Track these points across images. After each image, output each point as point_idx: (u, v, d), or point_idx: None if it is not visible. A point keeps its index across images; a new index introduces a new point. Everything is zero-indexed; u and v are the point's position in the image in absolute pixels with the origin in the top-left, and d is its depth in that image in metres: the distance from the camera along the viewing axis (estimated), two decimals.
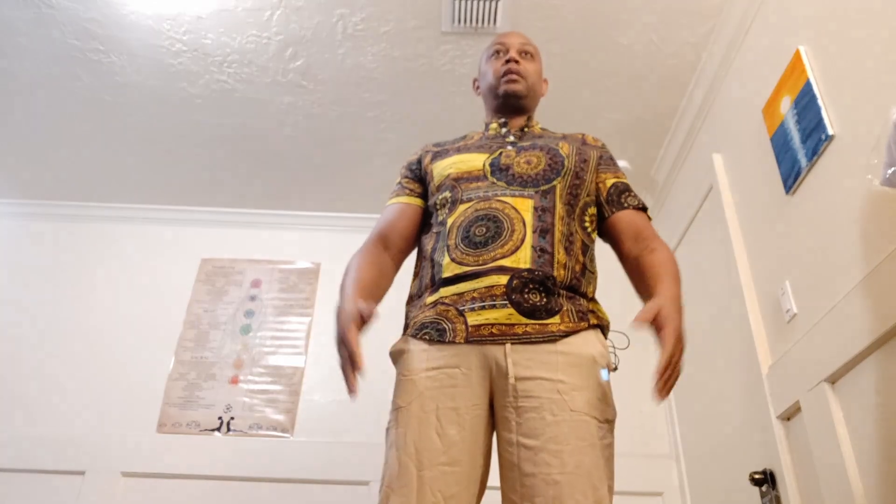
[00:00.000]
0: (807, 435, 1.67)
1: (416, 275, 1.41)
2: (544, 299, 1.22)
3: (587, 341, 1.22)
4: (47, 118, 2.73)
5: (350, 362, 1.13)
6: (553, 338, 1.20)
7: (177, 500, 2.53)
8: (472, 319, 1.21)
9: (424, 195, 1.52)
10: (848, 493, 1.47)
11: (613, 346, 1.33)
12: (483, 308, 1.21)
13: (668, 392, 1.09)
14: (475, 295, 1.23)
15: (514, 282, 1.22)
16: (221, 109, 2.68)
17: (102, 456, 2.59)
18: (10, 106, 2.67)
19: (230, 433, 2.71)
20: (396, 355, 1.30)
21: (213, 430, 2.72)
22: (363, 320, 1.16)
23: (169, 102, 2.64)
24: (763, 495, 1.86)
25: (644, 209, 1.45)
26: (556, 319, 1.21)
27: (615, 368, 1.28)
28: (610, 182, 1.46)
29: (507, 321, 1.20)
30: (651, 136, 2.76)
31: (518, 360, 1.18)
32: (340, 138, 2.82)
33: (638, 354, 2.79)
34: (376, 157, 2.93)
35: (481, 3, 2.24)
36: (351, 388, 1.11)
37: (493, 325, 1.20)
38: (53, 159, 2.97)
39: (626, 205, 1.43)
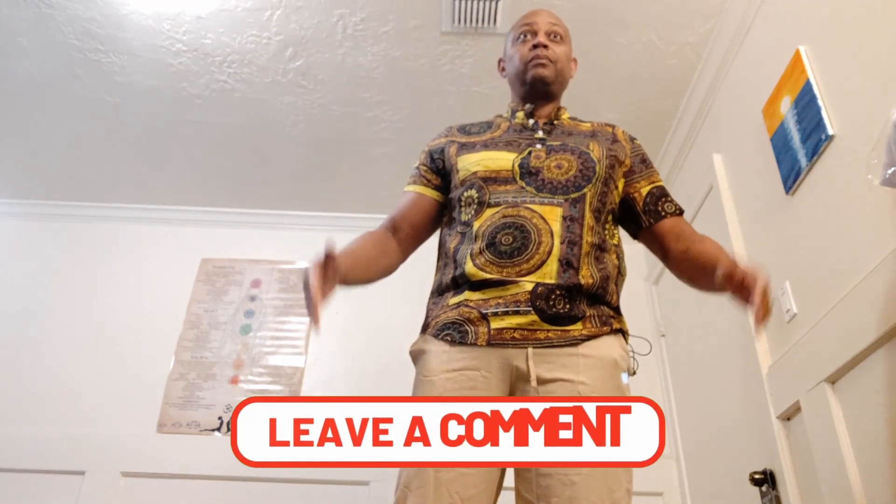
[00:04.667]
0: (807, 435, 1.67)
1: (438, 269, 1.39)
2: (567, 306, 1.21)
3: (609, 345, 1.22)
4: (47, 118, 2.73)
5: (310, 301, 1.07)
6: (575, 342, 1.19)
7: (177, 500, 2.53)
8: (495, 323, 1.20)
9: (442, 187, 1.47)
10: (848, 493, 1.47)
11: (634, 352, 1.32)
12: (507, 314, 1.20)
13: (765, 321, 1.06)
14: (500, 301, 1.22)
15: (539, 289, 1.21)
16: (221, 109, 2.67)
17: (102, 456, 2.59)
18: (10, 106, 2.67)
19: (230, 433, 2.71)
20: (416, 355, 1.29)
21: (213, 430, 2.71)
22: (329, 261, 1.11)
23: (169, 102, 2.64)
24: (763, 495, 1.86)
25: (681, 213, 1.42)
26: (579, 326, 1.21)
27: (634, 373, 1.28)
28: (645, 190, 1.42)
29: (530, 327, 1.20)
30: (651, 136, 2.76)
31: (539, 362, 1.18)
32: (340, 138, 2.82)
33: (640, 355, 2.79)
34: (376, 157, 2.93)
35: (481, 3, 2.24)
36: (315, 322, 1.06)
37: (514, 329, 1.20)
38: (53, 159, 2.97)
39: (663, 213, 1.40)
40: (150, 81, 2.55)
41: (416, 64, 2.47)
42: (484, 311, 1.22)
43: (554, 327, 1.20)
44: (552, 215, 1.28)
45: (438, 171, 1.48)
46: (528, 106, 1.48)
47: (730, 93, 2.29)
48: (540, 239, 1.25)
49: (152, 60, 2.46)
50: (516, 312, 1.20)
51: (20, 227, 3.22)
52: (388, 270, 1.39)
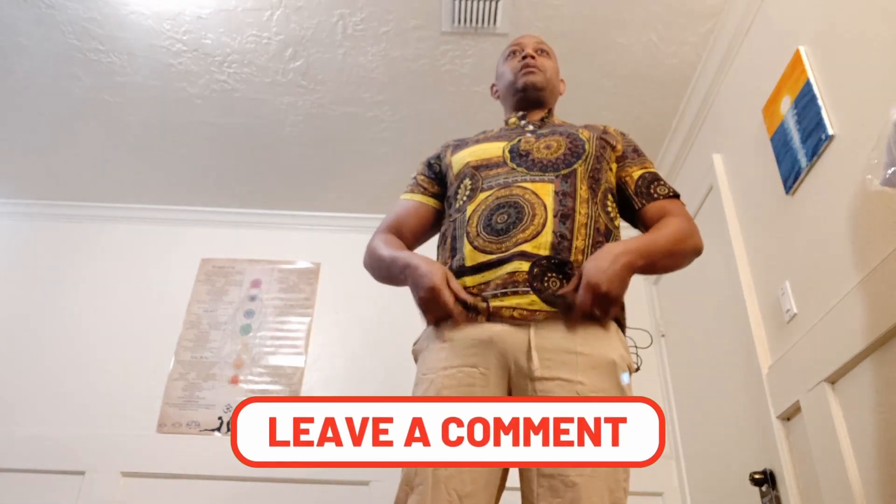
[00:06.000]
0: (807, 435, 1.67)
1: (440, 261, 1.40)
2: (563, 287, 1.22)
3: (608, 345, 1.21)
4: (47, 118, 2.73)
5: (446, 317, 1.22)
6: (573, 329, 1.19)
7: (177, 500, 2.53)
8: (495, 303, 1.22)
9: (440, 194, 1.52)
10: (848, 493, 1.47)
11: (636, 346, 1.31)
12: (506, 294, 1.22)
13: (601, 313, 1.18)
14: (498, 282, 1.23)
15: (535, 269, 1.23)
16: (221, 109, 2.67)
17: (102, 456, 2.59)
18: (10, 106, 2.67)
19: (230, 433, 2.71)
20: (417, 353, 1.32)
21: (213, 430, 2.71)
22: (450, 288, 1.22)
23: (169, 102, 2.64)
24: (763, 495, 1.86)
25: (676, 196, 1.43)
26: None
27: (638, 369, 1.27)
28: (637, 174, 1.45)
29: (530, 307, 1.21)
30: (651, 136, 2.76)
31: (540, 359, 1.17)
32: (340, 138, 2.82)
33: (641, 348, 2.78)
34: (376, 157, 2.93)
35: (481, 3, 2.24)
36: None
37: (514, 308, 1.21)
38: (53, 159, 2.97)
39: (655, 195, 1.42)
40: (150, 81, 2.54)
41: (416, 64, 2.47)
42: (485, 296, 1.23)
43: (552, 309, 1.21)
44: (544, 191, 1.32)
45: (436, 176, 1.54)
46: (520, 113, 1.57)
47: (730, 93, 2.29)
48: (534, 212, 1.28)
49: (152, 60, 2.46)
50: (515, 293, 1.22)
51: (20, 227, 3.22)
52: None
